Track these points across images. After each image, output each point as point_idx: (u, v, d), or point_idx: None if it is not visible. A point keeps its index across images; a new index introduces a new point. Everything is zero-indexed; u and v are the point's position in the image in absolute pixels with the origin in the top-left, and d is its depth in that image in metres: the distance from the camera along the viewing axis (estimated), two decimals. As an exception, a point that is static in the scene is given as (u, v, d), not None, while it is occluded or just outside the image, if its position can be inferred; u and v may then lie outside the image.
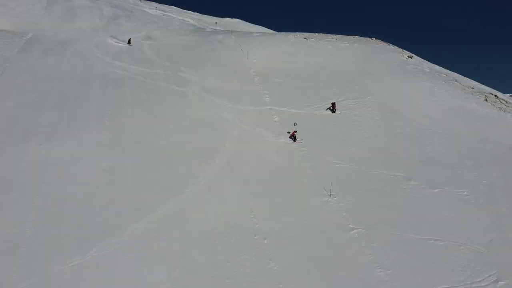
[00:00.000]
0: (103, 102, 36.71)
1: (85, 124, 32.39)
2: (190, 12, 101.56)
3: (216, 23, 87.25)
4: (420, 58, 58.01)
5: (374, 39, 63.29)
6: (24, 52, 45.26)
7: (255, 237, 22.78)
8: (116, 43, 53.45)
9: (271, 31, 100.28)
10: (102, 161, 28.14)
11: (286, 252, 21.40)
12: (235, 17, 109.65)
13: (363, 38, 62.40)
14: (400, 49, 58.94)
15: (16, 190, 24.49)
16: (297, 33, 61.71)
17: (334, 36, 61.00)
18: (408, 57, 56.05)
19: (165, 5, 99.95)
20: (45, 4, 63.47)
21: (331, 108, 38.85)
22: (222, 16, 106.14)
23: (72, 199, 24.25)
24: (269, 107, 39.53)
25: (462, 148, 32.80)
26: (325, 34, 62.98)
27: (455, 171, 29.37)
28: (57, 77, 40.69)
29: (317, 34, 61.86)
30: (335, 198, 26.37)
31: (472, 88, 47.09)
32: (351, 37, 61.15)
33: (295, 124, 34.06)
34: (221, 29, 78.75)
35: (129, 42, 53.59)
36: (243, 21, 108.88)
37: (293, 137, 33.88)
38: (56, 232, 21.67)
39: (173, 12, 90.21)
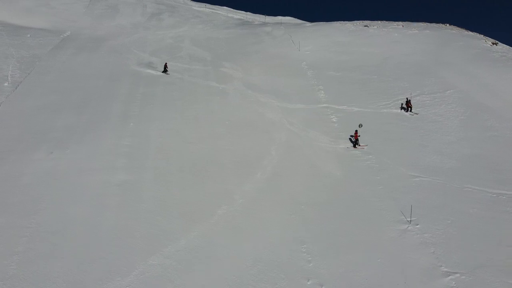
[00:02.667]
0: (130, 102, 31.95)
1: (105, 128, 27.62)
2: (243, 11, 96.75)
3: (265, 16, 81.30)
4: (507, 46, 48.26)
5: (447, 25, 54.18)
6: (57, 50, 42.02)
7: (308, 283, 16.69)
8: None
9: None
10: (117, 174, 22.98)
11: (353, 313, 14.88)
12: (287, 16, 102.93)
13: (434, 24, 53.54)
14: (481, 35, 49.52)
15: (10, 210, 19.86)
16: (356, 21, 54.17)
17: (400, 23, 52.75)
18: (493, 43, 46.63)
19: (217, 6, 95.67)
20: (87, 2, 61.13)
21: (406, 106, 31.14)
22: (275, 15, 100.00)
23: (73, 225, 19.15)
24: (324, 105, 32.82)
25: None
26: (389, 21, 54.86)
27: None
28: (86, 75, 36.72)
29: (379, 22, 53.97)
30: (417, 226, 19.45)
31: None
32: (421, 23, 52.57)
33: (360, 125, 27.10)
34: (271, 22, 72.67)
35: (165, 69, 39.04)
36: (296, 19, 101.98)
37: (355, 141, 26.96)
38: (45, 272, 16.57)
39: (223, 10, 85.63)
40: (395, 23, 52.74)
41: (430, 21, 54.64)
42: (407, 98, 30.94)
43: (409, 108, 30.56)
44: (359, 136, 26.97)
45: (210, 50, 46.37)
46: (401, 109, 30.98)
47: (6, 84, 33.08)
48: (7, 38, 43.60)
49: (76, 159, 24.03)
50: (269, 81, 37.60)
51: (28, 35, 45.38)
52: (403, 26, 50.87)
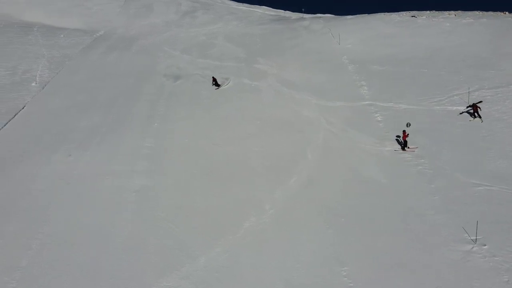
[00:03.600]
0: (156, 101, 30.15)
1: (128, 128, 25.87)
2: (281, 10, 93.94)
3: (303, 9, 77.61)
4: None
5: (506, 13, 48.65)
6: (88, 50, 41.22)
7: (350, 315, 13.67)
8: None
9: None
10: (136, 178, 21.00)
11: None
12: (327, 14, 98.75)
13: (491, 13, 48.22)
14: (547, 23, 43.87)
15: (19, 218, 18.34)
16: (402, 12, 49.85)
17: (452, 12, 47.92)
18: (562, 32, 40.98)
19: (256, 5, 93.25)
20: (122, 2, 60.67)
21: (473, 111, 25.92)
22: (314, 13, 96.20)
23: (83, 236, 17.27)
24: (368, 102, 29.44)
25: None
26: (439, 11, 50.08)
27: None
28: (115, 74, 35.44)
29: (428, 12, 49.36)
30: (485, 247, 16.02)
31: None
32: (475, 12, 47.49)
33: (408, 124, 23.64)
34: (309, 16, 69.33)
35: (215, 83, 32.77)
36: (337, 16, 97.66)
37: (404, 143, 23.53)
38: (46, 291, 14.70)
39: (261, 9, 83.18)
40: (446, 13, 47.91)
41: (486, 9, 49.34)
42: (475, 104, 25.92)
43: (477, 113, 25.68)
44: (408, 136, 23.50)
45: (244, 46, 43.96)
46: (460, 113, 26.51)
47: (34, 84, 32.29)
48: (41, 38, 43.37)
49: (94, 162, 22.32)
50: (306, 77, 34.63)
51: (62, 36, 45.03)
52: (455, 15, 46.08)
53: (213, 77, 32.91)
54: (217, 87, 32.28)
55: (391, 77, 33.06)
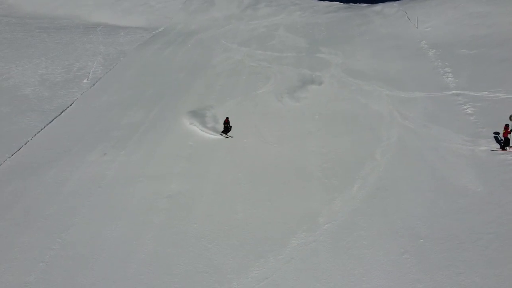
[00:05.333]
0: (206, 95, 27.43)
1: (171, 125, 23.35)
2: (351, 3, 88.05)
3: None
4: None
5: None
6: (144, 46, 39.95)
7: None
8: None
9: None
10: (171, 182, 18.18)
11: None
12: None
13: None
14: None
15: (39, 225, 16.33)
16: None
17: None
18: None
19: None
20: (185, -1, 59.66)
21: None
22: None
23: (103, 250, 14.73)
24: (454, 91, 24.11)
25: None
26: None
27: None
28: (167, 69, 33.46)
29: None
30: None
31: None
32: None
33: (511, 117, 18.26)
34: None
35: (225, 128, 22.01)
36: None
37: (505, 141, 18.19)
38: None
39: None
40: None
41: None
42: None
43: None
44: (511, 132, 18.11)
45: (307, 36, 39.96)
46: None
47: (85, 81, 31.29)
48: (101, 36, 43.11)
49: (129, 163, 19.94)
50: (377, 65, 29.84)
51: (122, 33, 44.52)
52: None
53: (225, 120, 22.08)
54: (225, 135, 21.88)
55: (484, 62, 27.18)
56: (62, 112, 26.59)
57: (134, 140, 22.03)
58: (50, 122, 25.27)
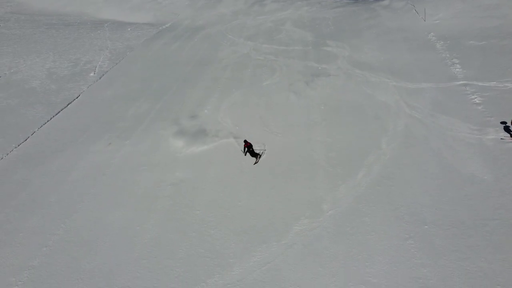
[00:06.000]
0: (212, 87, 27.39)
1: (176, 116, 23.33)
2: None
3: None
4: None
5: None
6: (151, 41, 40.08)
7: None
8: None
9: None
10: (176, 171, 18.18)
11: None
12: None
13: None
14: None
15: (44, 211, 16.46)
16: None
17: None
18: None
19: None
20: (192, -5, 59.70)
21: None
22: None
23: (106, 235, 14.79)
24: (462, 82, 23.74)
25: None
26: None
27: None
28: (174, 62, 33.50)
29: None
30: None
31: None
32: None
33: (520, 105, 17.92)
34: None
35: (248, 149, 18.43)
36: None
37: (514, 130, 17.88)
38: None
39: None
40: None
41: None
42: None
43: None
44: (520, 122, 17.80)
45: (314, 30, 39.74)
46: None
47: (92, 74, 31.48)
48: (108, 32, 43.37)
49: (134, 152, 20.01)
50: (384, 57, 29.53)
51: (129, 29, 44.76)
52: None
53: (245, 142, 18.40)
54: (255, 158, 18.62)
55: (493, 53, 26.73)
56: (69, 104, 26.79)
57: (139, 131, 22.11)
58: (56, 114, 25.47)
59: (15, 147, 21.63)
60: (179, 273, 12.88)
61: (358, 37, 35.36)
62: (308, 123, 21.91)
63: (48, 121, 24.55)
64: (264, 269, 12.69)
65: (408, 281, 11.81)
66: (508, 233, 12.92)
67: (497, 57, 26.17)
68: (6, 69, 32.58)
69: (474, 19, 32.93)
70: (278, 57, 32.42)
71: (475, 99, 21.62)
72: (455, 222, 13.70)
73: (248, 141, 18.68)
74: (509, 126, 18.41)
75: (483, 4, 34.95)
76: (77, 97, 27.69)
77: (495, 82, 22.86)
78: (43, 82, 30.33)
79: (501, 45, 27.78)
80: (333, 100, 23.94)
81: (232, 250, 13.57)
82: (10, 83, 30.26)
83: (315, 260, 12.87)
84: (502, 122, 18.98)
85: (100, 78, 30.83)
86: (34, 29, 44.41)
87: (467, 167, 16.46)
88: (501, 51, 27.04)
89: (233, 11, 51.69)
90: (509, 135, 18.11)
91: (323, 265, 12.71)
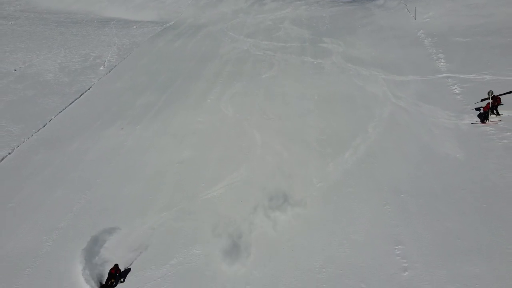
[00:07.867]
0: (214, 80, 29.45)
1: (182, 105, 25.42)
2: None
3: None
4: None
5: None
6: (156, 38, 42.15)
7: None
8: None
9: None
10: (183, 151, 20.25)
11: None
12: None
13: None
14: None
15: (66, 185, 18.59)
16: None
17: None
18: None
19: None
20: (195, -6, 61.77)
21: (492, 106, 20.10)
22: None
23: (122, 204, 16.89)
24: (445, 75, 25.77)
25: None
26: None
27: None
28: (178, 58, 35.58)
29: (526, -21, 42.76)
30: None
31: None
32: None
33: (490, 93, 19.90)
34: None
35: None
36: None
37: (484, 115, 19.89)
38: (79, 253, 14.33)
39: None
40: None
41: None
42: (490, 92, 19.81)
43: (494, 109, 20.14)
44: (492, 105, 19.81)
45: (311, 28, 41.80)
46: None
47: (101, 68, 33.52)
48: (115, 29, 45.42)
49: (144, 136, 22.12)
50: (375, 53, 31.57)
51: (134, 27, 46.79)
52: (562, -20, 39.27)
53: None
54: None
55: (476, 48, 28.75)
56: (81, 95, 28.84)
57: (148, 118, 24.18)
58: (70, 103, 27.53)
59: (35, 132, 23.68)
60: (187, 234, 14.93)
61: (352, 35, 37.40)
62: (303, 110, 23.94)
63: (63, 109, 26.61)
64: (262, 231, 14.73)
65: (383, 238, 13.83)
66: (472, 200, 14.91)
67: (479, 53, 28.18)
68: (21, 63, 34.63)
69: (461, 17, 34.96)
70: (277, 52, 34.49)
71: (455, 90, 23.65)
72: (428, 192, 15.72)
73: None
74: (481, 109, 20.40)
75: (471, 3, 36.96)
76: (89, 89, 29.75)
77: (474, 75, 24.88)
78: (56, 75, 32.38)
79: (485, 42, 29.79)
80: (326, 91, 25.98)
81: (235, 216, 15.60)
82: (25, 76, 32.31)
83: (305, 221, 14.91)
84: (477, 109, 20.97)
85: (109, 71, 32.89)
86: (44, 26, 46.47)
87: (443, 148, 18.48)
88: (484, 47, 29.04)
89: (234, 10, 53.75)
90: (479, 119, 20.14)
91: (311, 226, 14.74)
